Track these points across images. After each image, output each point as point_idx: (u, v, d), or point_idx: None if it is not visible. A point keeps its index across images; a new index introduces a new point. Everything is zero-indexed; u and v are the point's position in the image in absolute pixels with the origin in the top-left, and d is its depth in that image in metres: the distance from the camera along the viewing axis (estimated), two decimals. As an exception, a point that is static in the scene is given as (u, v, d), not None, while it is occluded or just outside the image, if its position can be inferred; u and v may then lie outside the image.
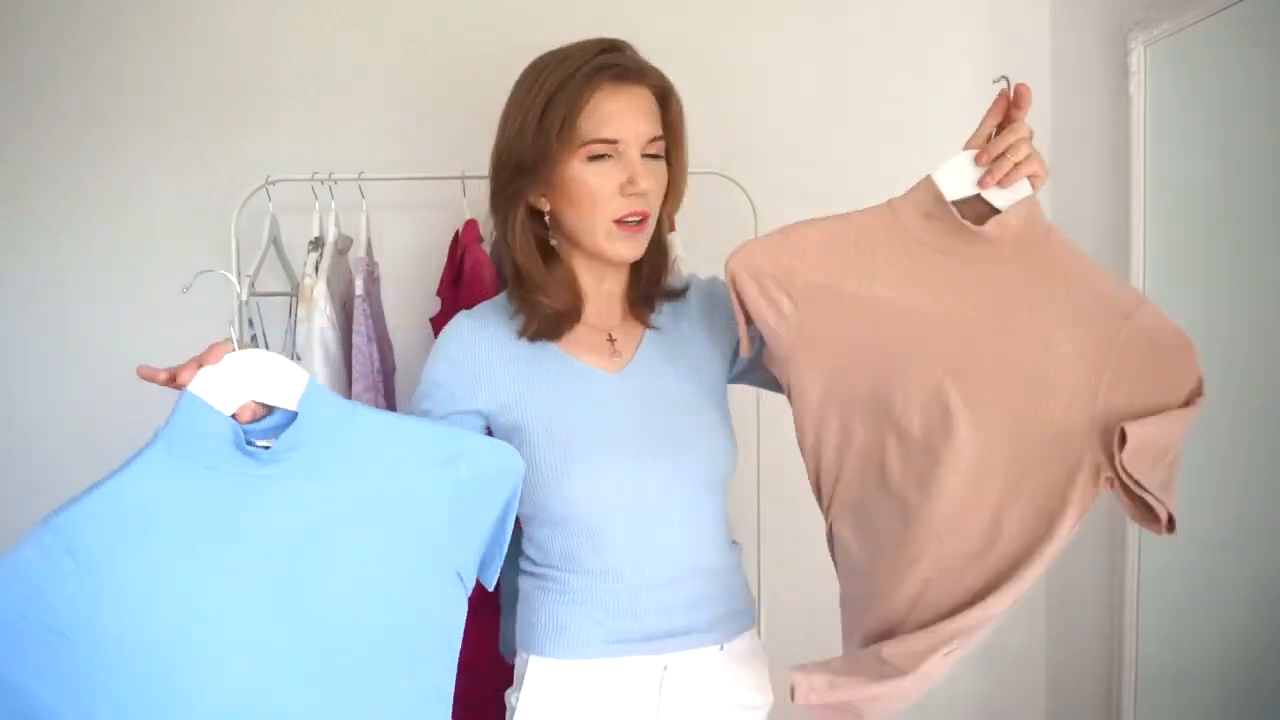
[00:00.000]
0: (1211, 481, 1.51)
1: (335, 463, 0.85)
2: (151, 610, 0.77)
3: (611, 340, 1.13)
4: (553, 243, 1.11)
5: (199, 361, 0.86)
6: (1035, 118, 1.86)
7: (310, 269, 1.58)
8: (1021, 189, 0.94)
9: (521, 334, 1.09)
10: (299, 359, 1.54)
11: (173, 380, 0.87)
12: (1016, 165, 0.92)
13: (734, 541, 1.19)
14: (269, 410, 0.86)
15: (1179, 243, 1.55)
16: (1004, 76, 0.98)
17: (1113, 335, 0.89)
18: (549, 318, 1.08)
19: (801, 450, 1.07)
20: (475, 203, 1.69)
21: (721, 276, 1.09)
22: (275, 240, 1.71)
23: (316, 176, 1.64)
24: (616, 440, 1.06)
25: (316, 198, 1.65)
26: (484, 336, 1.09)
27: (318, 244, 1.62)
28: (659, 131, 1.05)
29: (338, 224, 1.64)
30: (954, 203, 0.96)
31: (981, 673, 1.97)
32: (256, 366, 0.83)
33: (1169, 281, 1.56)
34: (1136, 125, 1.58)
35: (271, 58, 1.88)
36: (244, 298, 1.63)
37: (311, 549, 0.83)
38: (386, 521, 0.87)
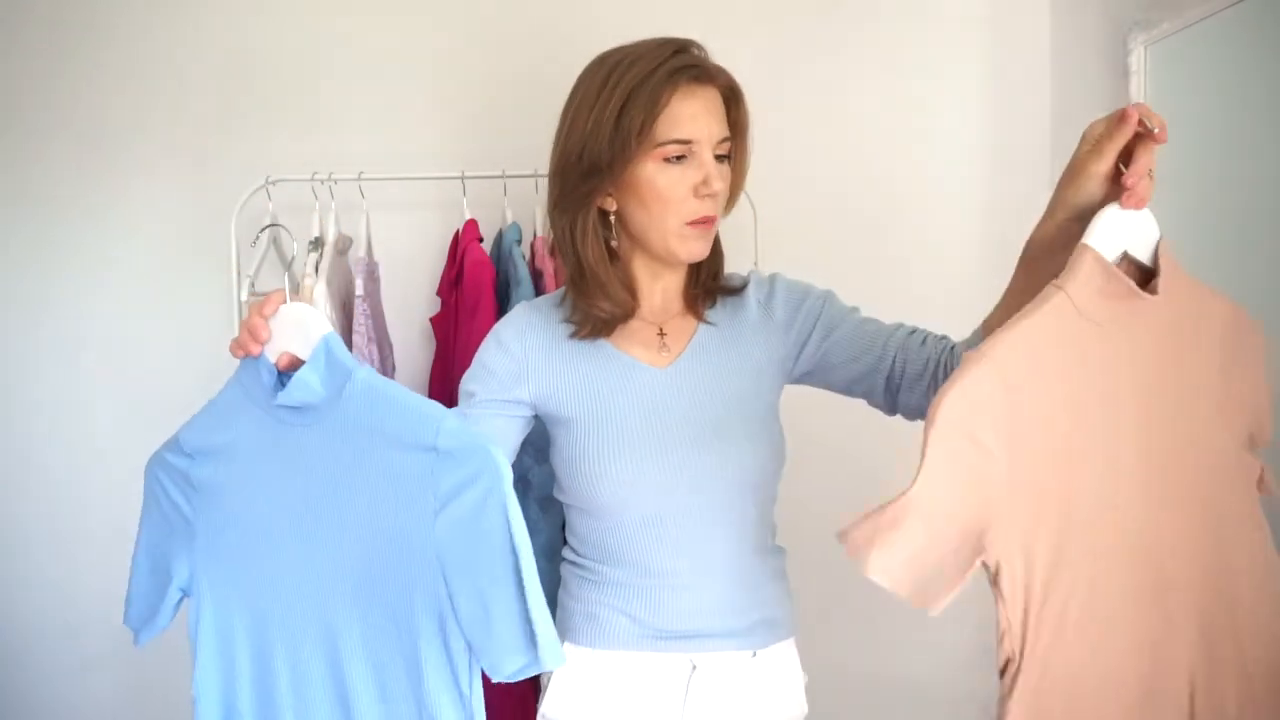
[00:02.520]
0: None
1: (333, 418, 0.92)
2: (222, 501, 0.97)
3: (662, 335, 1.13)
4: (612, 243, 1.10)
5: (258, 309, 0.95)
6: (1035, 118, 1.89)
7: (310, 269, 1.58)
8: (1149, 230, 0.88)
9: (574, 336, 1.10)
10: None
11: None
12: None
13: (779, 547, 1.18)
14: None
15: (1179, 242, 1.54)
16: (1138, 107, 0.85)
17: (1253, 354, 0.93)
18: (603, 321, 1.09)
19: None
20: (475, 203, 1.69)
21: (775, 274, 1.18)
22: (275, 240, 1.71)
23: (316, 176, 1.64)
24: (657, 436, 1.06)
25: (316, 198, 1.65)
26: (539, 328, 1.12)
27: (318, 244, 1.62)
28: (728, 133, 1.04)
29: (338, 224, 1.64)
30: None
31: (982, 673, 1.96)
32: (292, 319, 0.93)
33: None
34: (1136, 125, 1.58)
35: (272, 57, 1.88)
36: (244, 298, 1.63)
37: (323, 498, 0.92)
38: (371, 484, 0.90)
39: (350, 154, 1.76)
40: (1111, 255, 0.86)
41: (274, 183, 1.66)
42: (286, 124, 1.88)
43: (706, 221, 1.04)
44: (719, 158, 1.04)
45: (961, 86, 1.90)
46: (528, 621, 0.84)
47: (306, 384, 0.91)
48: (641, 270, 1.12)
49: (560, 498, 1.15)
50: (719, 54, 1.10)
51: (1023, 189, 1.91)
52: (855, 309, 1.18)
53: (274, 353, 0.95)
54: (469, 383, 1.10)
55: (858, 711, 1.83)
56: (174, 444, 1.00)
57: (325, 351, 0.91)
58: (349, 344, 1.58)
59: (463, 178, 1.67)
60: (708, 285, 1.15)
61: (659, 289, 1.13)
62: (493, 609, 0.85)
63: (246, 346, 0.96)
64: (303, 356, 0.93)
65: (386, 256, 1.75)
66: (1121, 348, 0.86)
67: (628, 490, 1.06)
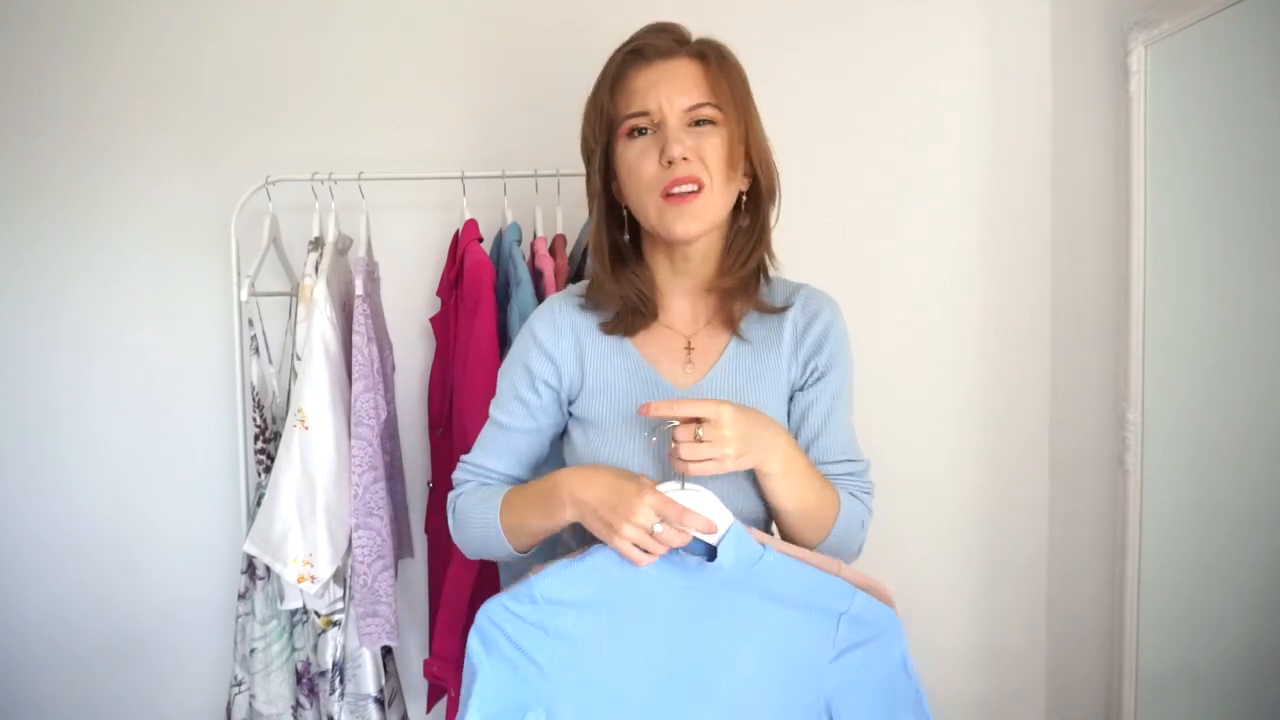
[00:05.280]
0: (1212, 482, 1.51)
1: (738, 590, 0.98)
2: (587, 651, 1.00)
3: (689, 349, 1.09)
4: (624, 240, 1.09)
5: (674, 515, 0.95)
6: (1035, 118, 1.89)
7: (310, 269, 1.58)
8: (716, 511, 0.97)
9: (603, 329, 1.10)
10: (299, 359, 1.54)
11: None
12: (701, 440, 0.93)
13: None
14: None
15: (1179, 242, 1.55)
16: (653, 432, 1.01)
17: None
18: (623, 314, 1.08)
19: None
20: (475, 203, 1.69)
21: (824, 310, 1.11)
22: (275, 240, 1.71)
23: (316, 176, 1.64)
24: (638, 459, 1.05)
25: (316, 198, 1.65)
26: (570, 322, 1.11)
27: (318, 244, 1.62)
28: (703, 99, 1.01)
29: (338, 224, 1.64)
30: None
31: (982, 673, 1.97)
32: (695, 503, 0.96)
33: (1169, 281, 1.56)
34: (1136, 125, 1.58)
35: (271, 58, 1.88)
36: (244, 298, 1.63)
37: (709, 656, 1.00)
38: (770, 651, 0.99)
39: (350, 154, 1.76)
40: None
41: (274, 183, 1.66)
42: (286, 124, 1.88)
43: (686, 192, 1.00)
44: (699, 123, 1.01)
45: (962, 86, 1.90)
46: None
47: (720, 565, 0.97)
48: (663, 268, 1.10)
49: None
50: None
51: (1023, 189, 1.91)
52: (840, 408, 1.11)
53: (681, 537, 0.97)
54: (503, 378, 1.12)
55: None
56: (524, 594, 1.00)
57: (737, 535, 0.97)
58: (348, 344, 1.58)
59: (463, 178, 1.67)
60: (735, 282, 1.07)
61: (682, 288, 1.10)
62: None
63: (658, 551, 0.96)
64: (704, 537, 0.97)
65: (386, 256, 1.75)
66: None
67: None
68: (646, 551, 0.95)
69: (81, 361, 1.92)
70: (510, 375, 1.12)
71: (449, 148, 1.86)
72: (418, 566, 1.87)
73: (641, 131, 1.02)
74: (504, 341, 1.57)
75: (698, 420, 0.94)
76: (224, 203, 1.71)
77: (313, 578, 1.50)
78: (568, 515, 0.99)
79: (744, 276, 1.07)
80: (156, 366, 1.92)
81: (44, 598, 1.95)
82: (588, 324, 1.11)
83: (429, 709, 1.77)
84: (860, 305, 1.94)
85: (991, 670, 1.97)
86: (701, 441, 0.93)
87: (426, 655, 1.59)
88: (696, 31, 1.09)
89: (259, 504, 1.56)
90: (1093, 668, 1.78)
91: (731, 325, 1.08)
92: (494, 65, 1.89)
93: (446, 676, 1.54)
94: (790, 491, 1.01)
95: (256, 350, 1.65)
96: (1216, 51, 1.45)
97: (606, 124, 1.04)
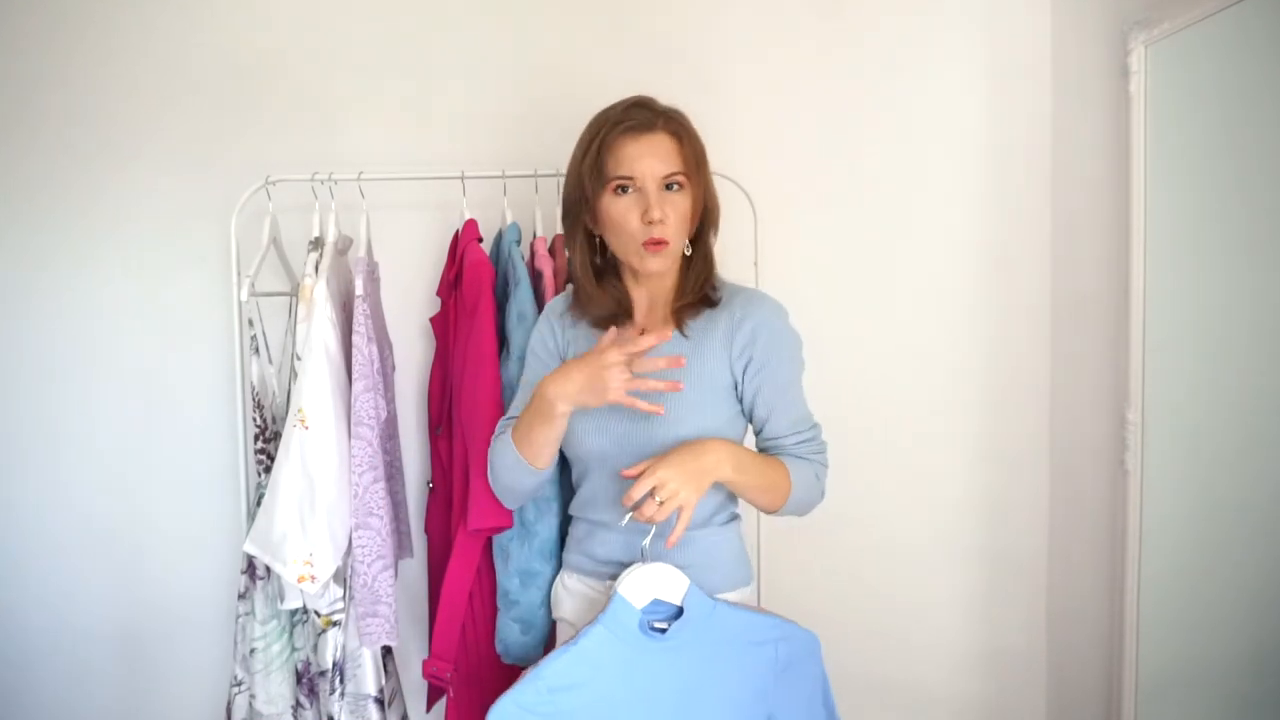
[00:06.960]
0: (1212, 482, 1.51)
1: (700, 641, 1.24)
2: (592, 715, 1.22)
3: (642, 332, 1.33)
4: (596, 260, 1.34)
5: None
6: (1035, 118, 1.89)
7: (310, 269, 1.58)
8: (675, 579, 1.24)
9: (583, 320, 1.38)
10: (299, 359, 1.54)
11: None
12: (662, 504, 1.15)
13: (736, 515, 1.37)
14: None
15: (1179, 242, 1.55)
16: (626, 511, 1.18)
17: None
18: (604, 320, 1.35)
19: None
20: (475, 203, 1.69)
21: (755, 311, 1.30)
22: (275, 240, 1.71)
23: (316, 177, 1.64)
24: (609, 411, 1.29)
25: (316, 198, 1.65)
26: (560, 319, 1.40)
27: (318, 244, 1.62)
28: (675, 169, 1.26)
29: (338, 224, 1.64)
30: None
31: (982, 674, 1.97)
32: (657, 576, 1.24)
33: (1169, 280, 1.56)
34: (1136, 125, 1.58)
35: (271, 58, 1.88)
36: (244, 298, 1.63)
37: (682, 699, 1.24)
38: (728, 683, 1.26)
39: (350, 154, 1.76)
40: (640, 600, 1.22)
41: (274, 183, 1.66)
42: (286, 124, 1.88)
43: (657, 243, 1.25)
44: (671, 189, 1.26)
45: (962, 86, 1.90)
46: None
47: (690, 620, 1.23)
48: (629, 279, 1.35)
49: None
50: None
51: (1023, 188, 1.91)
52: (790, 392, 1.32)
53: (641, 600, 1.23)
54: (525, 360, 1.42)
55: (859, 711, 1.83)
56: (534, 686, 1.20)
57: (695, 592, 1.24)
58: (348, 344, 1.58)
59: (463, 178, 1.67)
60: (691, 299, 1.32)
61: (644, 295, 1.36)
62: None
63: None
64: (669, 600, 1.24)
65: (386, 256, 1.75)
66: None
67: (579, 449, 1.32)
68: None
69: (81, 362, 1.92)
70: (530, 346, 1.41)
71: (449, 148, 1.86)
72: (417, 566, 1.87)
73: (625, 189, 1.26)
74: (503, 342, 1.57)
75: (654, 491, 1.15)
76: (224, 203, 1.71)
77: (313, 578, 1.50)
78: (560, 410, 1.22)
79: (695, 302, 1.33)
80: (156, 366, 1.92)
81: (45, 598, 1.95)
82: (573, 318, 1.38)
83: (429, 709, 1.77)
84: (860, 304, 1.95)
85: (991, 670, 1.97)
86: (662, 504, 1.14)
87: (426, 655, 1.59)
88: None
89: (259, 504, 1.56)
90: (1093, 668, 1.78)
91: (679, 325, 1.32)
92: (494, 65, 1.89)
93: (445, 676, 1.54)
94: (748, 485, 1.25)
95: (256, 350, 1.65)
96: (1216, 51, 1.45)
97: (598, 179, 1.27)
